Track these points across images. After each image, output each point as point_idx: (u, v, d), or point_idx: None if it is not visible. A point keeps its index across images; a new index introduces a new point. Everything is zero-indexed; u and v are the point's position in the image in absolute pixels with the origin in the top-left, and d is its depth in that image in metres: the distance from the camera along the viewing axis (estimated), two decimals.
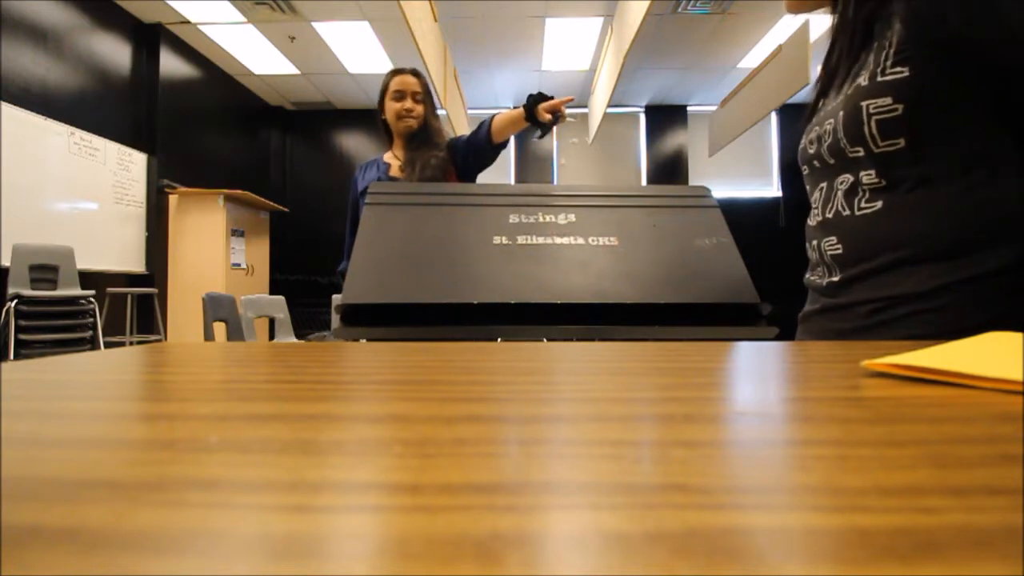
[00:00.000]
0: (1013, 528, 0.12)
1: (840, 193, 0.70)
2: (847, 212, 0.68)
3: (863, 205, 0.67)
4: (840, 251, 0.69)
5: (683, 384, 0.30)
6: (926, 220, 0.63)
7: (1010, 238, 0.59)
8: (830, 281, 0.71)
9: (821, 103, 0.76)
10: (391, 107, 1.73)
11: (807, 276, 0.79)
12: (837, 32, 0.73)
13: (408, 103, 1.72)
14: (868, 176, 0.66)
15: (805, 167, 0.78)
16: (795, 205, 6.24)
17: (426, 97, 1.75)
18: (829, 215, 0.71)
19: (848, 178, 0.69)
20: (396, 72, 1.76)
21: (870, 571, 0.10)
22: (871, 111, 0.63)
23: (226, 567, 0.10)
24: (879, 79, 0.63)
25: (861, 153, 0.66)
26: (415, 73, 1.76)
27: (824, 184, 0.73)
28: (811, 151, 0.74)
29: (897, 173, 0.64)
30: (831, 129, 0.69)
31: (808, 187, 0.78)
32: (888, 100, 0.62)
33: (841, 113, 0.67)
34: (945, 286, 0.60)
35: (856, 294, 0.68)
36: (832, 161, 0.70)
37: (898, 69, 0.62)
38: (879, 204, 0.65)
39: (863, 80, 0.65)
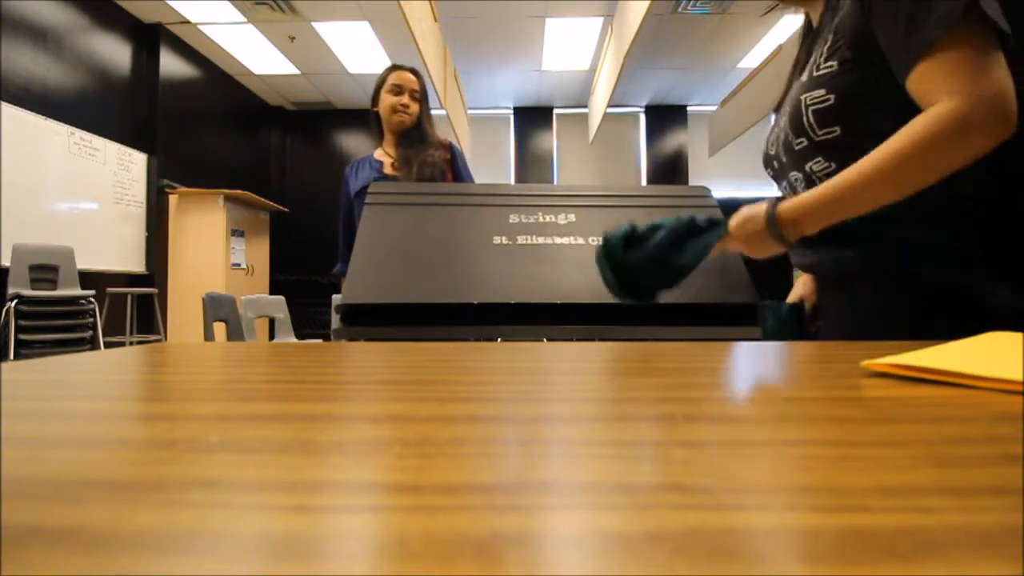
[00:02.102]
0: (1013, 528, 0.12)
1: (802, 190, 0.72)
2: None
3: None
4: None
5: (683, 384, 0.30)
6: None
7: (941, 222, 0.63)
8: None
9: (779, 106, 0.81)
10: (387, 100, 1.70)
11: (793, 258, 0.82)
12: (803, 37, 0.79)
13: (405, 99, 1.69)
14: (818, 164, 0.69)
15: (768, 169, 0.82)
16: None
17: (423, 97, 1.73)
18: None
19: (797, 176, 0.73)
20: (396, 67, 1.74)
21: (870, 571, 0.10)
22: (808, 102, 0.68)
23: (226, 567, 0.10)
24: (815, 74, 0.68)
25: (804, 143, 0.69)
26: (415, 72, 1.74)
27: (784, 183, 0.77)
28: (771, 152, 0.79)
29: (842, 157, 0.66)
30: (783, 126, 0.74)
31: (775, 187, 0.82)
32: (822, 92, 0.67)
33: (788, 108, 0.72)
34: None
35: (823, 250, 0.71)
36: (785, 159, 0.74)
37: (829, 64, 0.67)
38: None
39: (804, 77, 0.71)
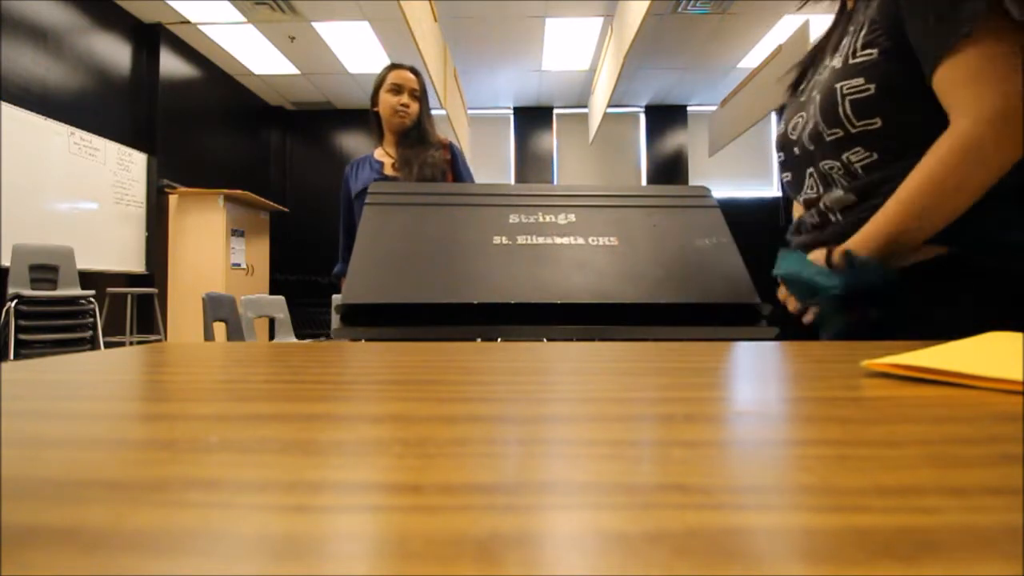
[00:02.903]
0: (1013, 528, 0.12)
1: (836, 175, 0.70)
2: (856, 181, 0.68)
3: (873, 176, 0.67)
4: (854, 200, 0.69)
5: (683, 384, 0.30)
6: None
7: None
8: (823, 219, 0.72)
9: (801, 89, 0.77)
10: (387, 100, 1.69)
11: (793, 238, 0.80)
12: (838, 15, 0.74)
13: (405, 98, 1.68)
14: (857, 154, 0.67)
15: (783, 153, 0.79)
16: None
17: (422, 96, 1.72)
18: (835, 187, 0.71)
19: (832, 165, 0.70)
20: (395, 66, 1.72)
21: (870, 571, 0.10)
22: (845, 91, 0.65)
23: (226, 567, 0.10)
24: (851, 61, 0.65)
25: (840, 134, 0.67)
26: (414, 70, 1.73)
27: (812, 169, 0.74)
28: (792, 136, 0.76)
29: (884, 147, 0.65)
30: (808, 115, 0.71)
31: (789, 174, 0.78)
32: (860, 81, 0.64)
33: (818, 96, 0.69)
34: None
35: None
36: (813, 147, 0.71)
37: (868, 52, 0.63)
38: (887, 172, 0.65)
39: (837, 63, 0.67)
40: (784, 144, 0.78)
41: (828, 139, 0.68)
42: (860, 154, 0.66)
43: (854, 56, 0.65)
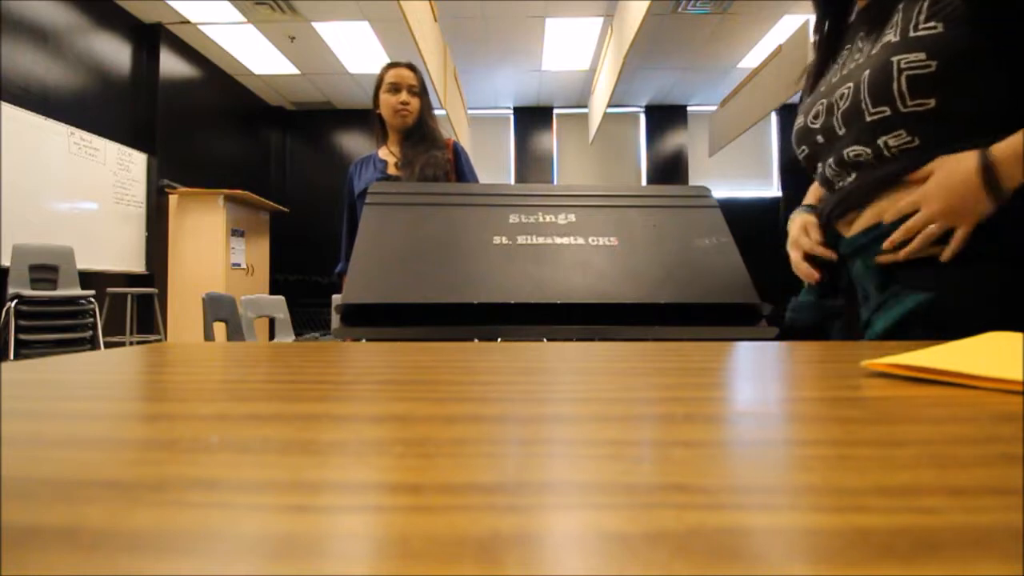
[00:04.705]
0: (1013, 528, 0.12)
1: (865, 160, 0.66)
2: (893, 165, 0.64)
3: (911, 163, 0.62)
4: (916, 143, 0.63)
5: (683, 384, 0.30)
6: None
7: None
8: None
9: (824, 77, 0.74)
10: (386, 100, 1.69)
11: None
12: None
13: (404, 96, 1.67)
14: (896, 138, 0.62)
15: (804, 147, 0.75)
16: (795, 205, 6.22)
17: (422, 92, 1.70)
18: (851, 178, 0.68)
19: (861, 152, 0.65)
20: (392, 65, 1.71)
21: (870, 571, 0.10)
22: (902, 66, 0.60)
23: (226, 567, 0.10)
24: (911, 34, 0.60)
25: (886, 113, 0.62)
26: (411, 67, 1.71)
27: (832, 159, 0.70)
28: (813, 125, 0.72)
29: (929, 132, 0.61)
30: (848, 93, 0.66)
31: (811, 167, 0.76)
32: (921, 56, 0.59)
33: (867, 72, 0.64)
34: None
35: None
36: (843, 131, 0.67)
37: (932, 24, 0.59)
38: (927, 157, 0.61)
39: (893, 36, 0.62)
40: (803, 136, 0.74)
41: (869, 119, 0.64)
42: (902, 138, 0.62)
43: (915, 29, 0.60)
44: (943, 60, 0.58)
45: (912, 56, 0.59)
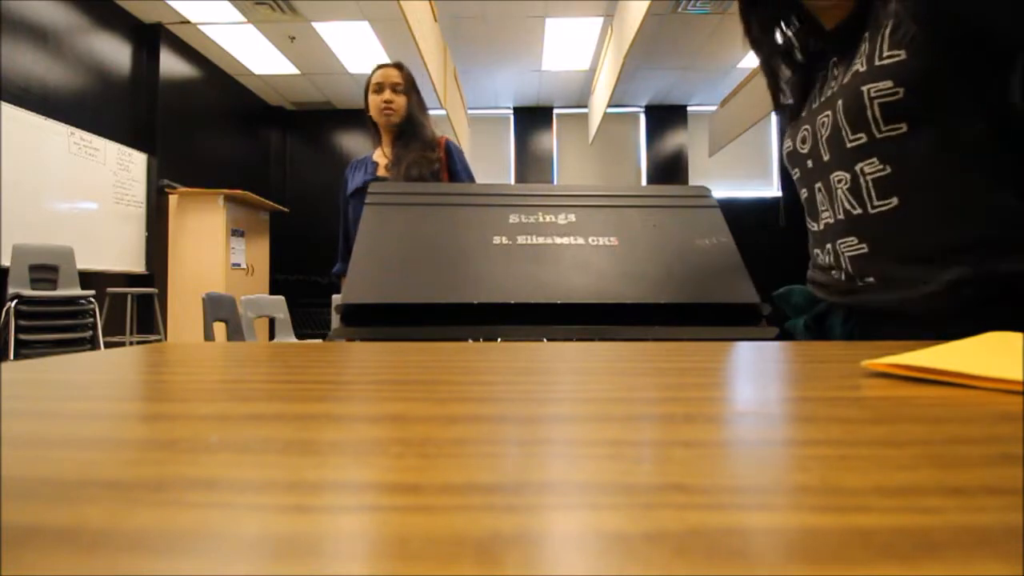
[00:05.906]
0: (1013, 528, 0.12)
1: (841, 192, 0.68)
2: (859, 211, 0.67)
3: (876, 203, 0.65)
4: (865, 250, 0.67)
5: (683, 384, 0.30)
6: (945, 219, 0.61)
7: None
8: (850, 283, 0.70)
9: (806, 104, 0.76)
10: (373, 101, 1.69)
11: (811, 274, 0.79)
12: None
13: (387, 95, 1.66)
14: (871, 165, 0.64)
15: (796, 170, 0.77)
16: (795, 205, 6.23)
17: (408, 89, 1.69)
18: (840, 216, 0.70)
19: (844, 176, 0.68)
20: (379, 66, 1.72)
21: (870, 571, 0.10)
22: (872, 95, 0.62)
23: (226, 567, 0.10)
24: (876, 63, 0.62)
25: (863, 140, 0.64)
26: (397, 65, 1.71)
27: (820, 184, 0.72)
28: (803, 150, 0.74)
29: (901, 159, 0.63)
30: (828, 121, 0.68)
31: (803, 190, 0.77)
32: (888, 83, 0.61)
33: (840, 101, 0.66)
34: (967, 282, 0.59)
35: (884, 293, 0.66)
36: (828, 156, 0.69)
37: (895, 52, 0.61)
38: (894, 201, 0.64)
39: (860, 66, 0.64)
40: (793, 158, 0.76)
41: (850, 146, 0.66)
42: (874, 165, 0.64)
43: (880, 58, 0.62)
44: (908, 87, 0.60)
45: (880, 84, 0.61)
